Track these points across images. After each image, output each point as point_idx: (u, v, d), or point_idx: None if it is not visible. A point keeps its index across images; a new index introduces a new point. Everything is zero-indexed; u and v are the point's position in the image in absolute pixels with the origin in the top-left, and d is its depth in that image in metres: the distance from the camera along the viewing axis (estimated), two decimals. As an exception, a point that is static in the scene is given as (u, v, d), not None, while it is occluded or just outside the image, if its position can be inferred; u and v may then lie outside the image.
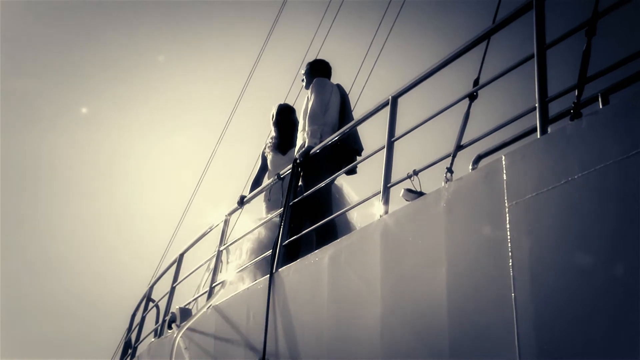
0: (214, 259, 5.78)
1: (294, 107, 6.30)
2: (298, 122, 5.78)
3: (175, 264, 6.93)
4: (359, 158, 5.19)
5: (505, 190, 2.73)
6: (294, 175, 4.97)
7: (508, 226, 2.67)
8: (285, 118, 6.09)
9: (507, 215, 2.68)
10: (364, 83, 7.53)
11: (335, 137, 4.76)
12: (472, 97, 3.79)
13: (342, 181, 5.64)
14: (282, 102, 6.33)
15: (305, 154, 4.97)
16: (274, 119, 6.14)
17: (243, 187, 6.50)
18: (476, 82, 3.88)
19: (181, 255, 6.93)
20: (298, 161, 4.99)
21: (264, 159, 6.15)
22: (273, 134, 6.14)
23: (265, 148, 6.16)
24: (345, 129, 4.68)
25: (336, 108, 5.36)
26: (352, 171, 5.20)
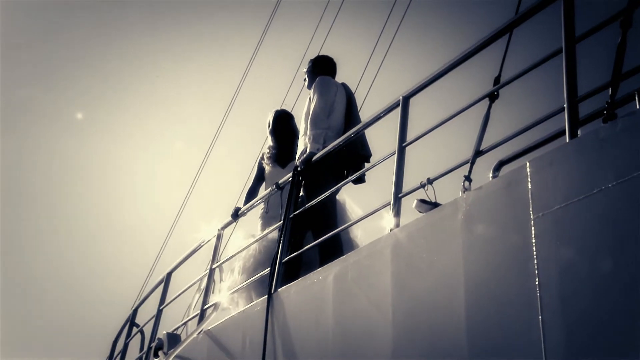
0: (206, 278, 5.76)
1: (293, 112, 6.29)
2: (298, 131, 5.77)
3: (162, 284, 6.91)
4: (367, 165, 5.18)
5: (530, 201, 2.72)
6: (295, 184, 4.96)
7: (534, 241, 2.65)
8: (283, 126, 6.08)
9: (533, 228, 2.67)
10: (372, 82, 7.52)
11: (341, 142, 4.75)
12: (492, 96, 3.78)
13: (346, 196, 5.63)
14: (278, 108, 6.31)
15: (307, 161, 4.96)
16: (270, 127, 6.12)
17: (237, 198, 6.49)
18: (497, 80, 3.87)
19: (169, 274, 6.91)
20: (299, 169, 4.98)
21: (261, 168, 6.13)
22: (270, 143, 6.12)
23: (263, 158, 6.13)
24: (352, 133, 4.67)
25: (341, 110, 5.35)
26: (359, 180, 5.19)
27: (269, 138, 6.14)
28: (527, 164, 2.79)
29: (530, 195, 2.73)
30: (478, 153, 3.61)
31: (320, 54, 6.12)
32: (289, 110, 6.37)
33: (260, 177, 6.14)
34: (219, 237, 5.93)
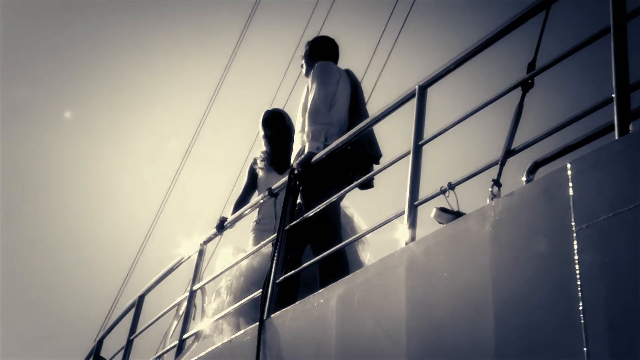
0: (185, 302, 5.75)
1: (287, 107, 6.33)
2: (294, 130, 5.77)
3: (133, 310, 6.90)
4: (376, 167, 5.17)
5: (572, 209, 2.71)
6: (291, 191, 4.95)
7: (576, 257, 2.64)
8: (275, 129, 6.10)
9: (575, 242, 2.66)
10: (381, 68, 7.52)
11: (345, 139, 4.74)
12: (526, 85, 3.77)
13: (354, 211, 5.62)
14: (269, 109, 6.33)
15: (305, 162, 4.95)
16: (261, 132, 6.16)
17: (223, 208, 6.49)
18: (531, 67, 3.86)
19: (141, 298, 6.91)
20: (296, 172, 4.97)
21: (252, 176, 6.14)
22: (264, 148, 6.15)
23: (255, 163, 6.14)
24: (358, 130, 4.66)
25: (345, 102, 5.35)
26: (367, 184, 5.18)
27: (263, 142, 6.18)
28: (568, 165, 2.78)
29: (571, 203, 2.71)
30: (509, 153, 3.60)
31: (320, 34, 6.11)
32: (282, 108, 6.41)
33: (251, 186, 6.16)
34: (201, 253, 5.93)
